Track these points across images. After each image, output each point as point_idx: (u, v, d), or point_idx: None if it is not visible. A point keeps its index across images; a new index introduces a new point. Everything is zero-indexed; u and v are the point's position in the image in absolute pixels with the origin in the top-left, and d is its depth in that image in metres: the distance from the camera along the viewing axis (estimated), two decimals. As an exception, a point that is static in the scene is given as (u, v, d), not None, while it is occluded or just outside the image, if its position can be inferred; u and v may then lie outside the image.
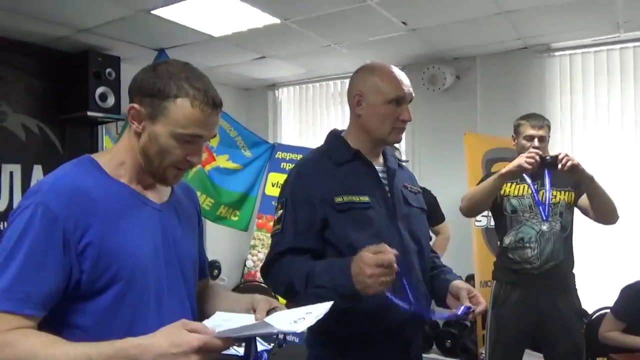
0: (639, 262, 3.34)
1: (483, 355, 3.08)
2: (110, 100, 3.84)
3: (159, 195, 1.20)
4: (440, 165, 4.29)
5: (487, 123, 4.09)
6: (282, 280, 1.44)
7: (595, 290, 3.18)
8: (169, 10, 3.18)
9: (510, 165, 2.40)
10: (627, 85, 3.72)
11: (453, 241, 3.61)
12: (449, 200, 3.58)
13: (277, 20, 3.40)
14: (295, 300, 1.35)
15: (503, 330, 2.57)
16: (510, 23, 3.47)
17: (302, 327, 1.03)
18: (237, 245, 4.98)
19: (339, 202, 1.48)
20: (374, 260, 1.24)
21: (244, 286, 4.24)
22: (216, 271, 4.63)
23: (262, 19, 3.36)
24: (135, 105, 1.10)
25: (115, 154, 1.16)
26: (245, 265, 4.60)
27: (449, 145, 4.16)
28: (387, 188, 1.57)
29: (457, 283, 1.53)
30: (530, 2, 3.11)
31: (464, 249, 3.72)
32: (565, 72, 3.94)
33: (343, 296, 1.29)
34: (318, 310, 1.10)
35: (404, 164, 1.79)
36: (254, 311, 1.15)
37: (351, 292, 1.28)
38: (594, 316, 2.93)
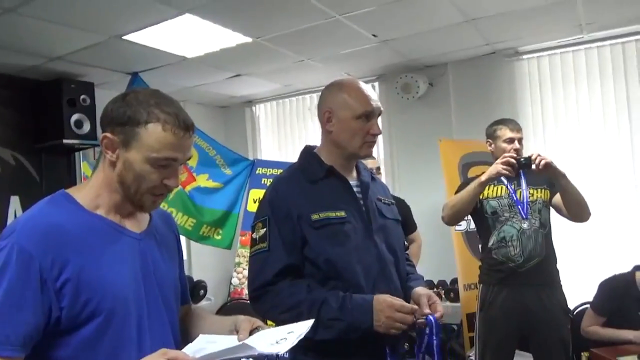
0: (615, 257, 3.40)
1: (471, 357, 3.11)
2: (86, 127, 3.82)
3: (138, 224, 1.21)
4: (418, 172, 4.33)
5: (462, 128, 4.16)
6: (284, 306, 1.47)
7: (577, 285, 3.22)
8: (140, 35, 3.19)
9: (487, 173, 2.48)
10: (594, 84, 3.81)
11: (435, 246, 3.65)
12: (427, 206, 3.62)
13: (249, 39, 3.43)
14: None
15: (492, 332, 2.61)
16: (477, 30, 3.55)
17: (284, 347, 1.05)
18: (222, 264, 4.95)
19: (316, 219, 1.51)
20: (396, 305, 1.41)
21: (231, 305, 4.22)
22: (202, 291, 4.60)
23: (234, 38, 3.39)
24: (108, 135, 1.11)
25: (91, 187, 1.16)
26: (231, 283, 4.58)
27: (426, 152, 4.20)
28: (361, 202, 1.61)
29: (418, 290, 1.58)
30: (494, 8, 3.18)
31: (446, 254, 3.77)
32: (534, 74, 4.03)
33: (358, 330, 1.42)
34: (300, 329, 1.12)
35: (377, 176, 1.82)
36: (237, 332, 1.16)
37: (368, 327, 1.41)
38: (576, 311, 2.98)
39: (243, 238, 4.40)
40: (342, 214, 1.54)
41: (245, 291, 4.44)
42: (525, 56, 4.03)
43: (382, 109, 1.60)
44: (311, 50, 3.80)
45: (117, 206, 1.16)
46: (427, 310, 1.48)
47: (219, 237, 4.30)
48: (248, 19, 3.12)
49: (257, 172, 4.47)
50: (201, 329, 1.28)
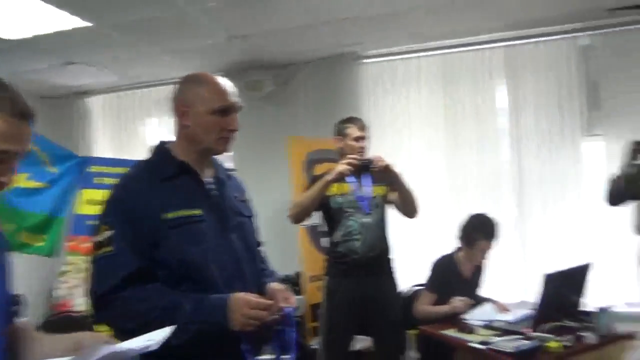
0: (443, 243, 3.80)
1: (314, 347, 3.27)
2: None
3: None
4: (265, 168, 4.37)
5: (309, 126, 4.29)
6: (135, 313, 1.38)
7: (409, 271, 3.53)
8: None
9: (331, 174, 2.64)
10: (428, 90, 4.23)
11: (280, 240, 3.71)
12: (274, 202, 3.69)
13: (87, 24, 3.12)
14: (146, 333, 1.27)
15: (335, 319, 2.78)
16: (326, 32, 3.71)
17: (148, 348, 1.00)
18: (39, 274, 4.35)
19: (171, 218, 1.44)
20: (251, 303, 1.41)
21: (55, 319, 3.77)
22: (19, 306, 4.04)
23: (70, 21, 3.06)
24: None
25: None
26: (52, 295, 4.10)
27: (273, 150, 4.27)
28: (217, 199, 1.57)
29: (273, 286, 1.61)
30: (341, 13, 3.36)
31: (291, 248, 3.88)
32: (375, 78, 4.34)
33: (214, 331, 1.39)
34: (158, 337, 1.07)
35: (232, 173, 1.80)
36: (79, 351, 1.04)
37: (224, 326, 1.39)
38: (407, 294, 3.28)
39: (71, 243, 3.94)
40: (197, 212, 1.49)
41: (74, 302, 4.02)
42: (369, 60, 4.32)
43: (240, 104, 1.59)
44: (157, 41, 3.62)
45: None
46: (283, 304, 1.51)
47: (41, 244, 3.78)
48: (88, 2, 2.84)
49: (90, 170, 4.04)
50: (35, 352, 1.12)
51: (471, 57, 4.14)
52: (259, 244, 1.77)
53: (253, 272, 1.62)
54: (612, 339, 2.49)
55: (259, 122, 4.39)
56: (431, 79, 4.24)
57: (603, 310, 2.54)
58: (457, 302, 2.77)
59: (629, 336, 2.58)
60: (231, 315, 1.39)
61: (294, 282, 4.05)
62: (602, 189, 3.11)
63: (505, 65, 4.09)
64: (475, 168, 4.12)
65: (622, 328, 2.57)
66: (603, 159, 3.83)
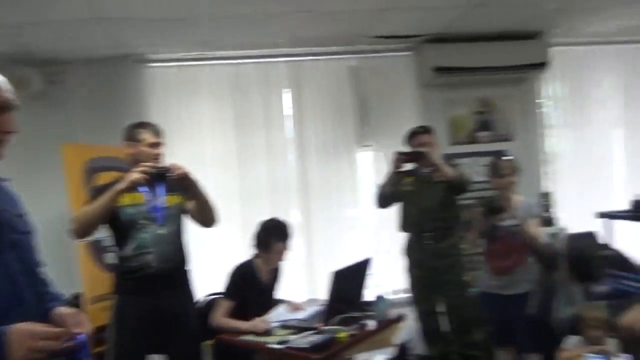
0: (238, 251, 3.85)
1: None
2: None
3: None
4: (35, 179, 3.82)
5: (87, 131, 3.94)
6: None
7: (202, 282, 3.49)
8: None
9: (123, 183, 2.44)
10: (218, 98, 4.27)
11: (56, 259, 3.29)
12: (47, 216, 3.27)
13: None
14: None
15: (127, 341, 2.57)
16: (107, 30, 3.44)
17: None
18: None
19: None
20: (38, 333, 1.24)
21: None
22: None
23: None
24: None
25: None
26: None
27: (45, 157, 3.81)
28: None
29: (61, 310, 1.48)
30: (124, 11, 3.15)
31: (68, 266, 3.47)
32: (164, 83, 4.21)
33: None
34: None
35: (4, 184, 1.55)
36: None
37: None
38: (202, 304, 3.23)
39: None
40: None
41: None
42: (154, 64, 4.17)
43: (16, 101, 1.38)
44: None
45: None
46: (75, 330, 1.36)
47: None
48: None
49: None
50: None
51: (259, 68, 4.34)
52: (39, 264, 1.57)
53: (34, 297, 1.43)
54: (387, 323, 2.88)
55: (26, 125, 3.71)
56: (221, 87, 4.30)
57: (379, 299, 2.91)
58: (258, 322, 2.81)
59: (398, 319, 3.01)
60: (12, 352, 1.19)
61: (73, 305, 3.62)
62: (372, 194, 3.56)
63: (290, 78, 4.39)
64: (265, 175, 4.32)
65: (393, 313, 2.98)
66: (373, 167, 4.41)
